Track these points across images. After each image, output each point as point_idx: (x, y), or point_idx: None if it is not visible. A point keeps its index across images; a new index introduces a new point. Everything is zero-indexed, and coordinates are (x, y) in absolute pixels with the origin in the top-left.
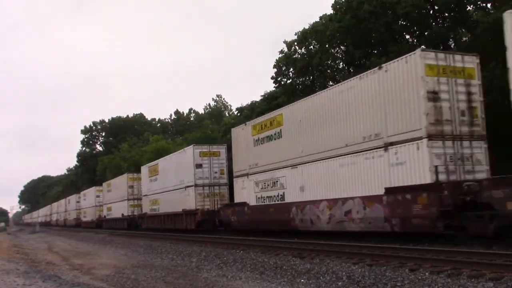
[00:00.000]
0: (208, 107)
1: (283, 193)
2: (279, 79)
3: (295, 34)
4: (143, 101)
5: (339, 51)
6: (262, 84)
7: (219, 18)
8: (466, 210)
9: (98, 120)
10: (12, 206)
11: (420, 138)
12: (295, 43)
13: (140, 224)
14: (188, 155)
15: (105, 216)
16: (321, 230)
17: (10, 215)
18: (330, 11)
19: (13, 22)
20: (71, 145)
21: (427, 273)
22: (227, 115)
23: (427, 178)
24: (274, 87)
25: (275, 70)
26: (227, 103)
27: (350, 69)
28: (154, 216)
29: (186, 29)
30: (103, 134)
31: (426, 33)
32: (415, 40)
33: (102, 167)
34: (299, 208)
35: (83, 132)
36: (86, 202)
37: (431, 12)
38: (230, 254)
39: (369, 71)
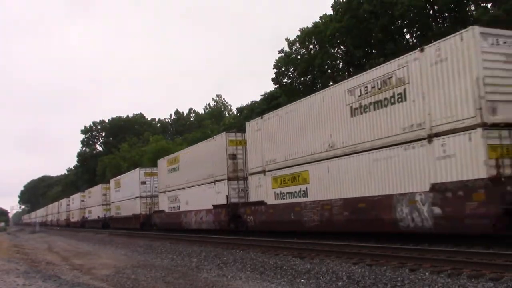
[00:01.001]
0: (208, 107)
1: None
2: (279, 79)
3: (299, 30)
4: (143, 101)
5: (339, 51)
6: (263, 84)
7: (220, 18)
8: None
9: (98, 120)
10: (12, 206)
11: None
12: (297, 42)
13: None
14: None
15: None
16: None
17: (10, 215)
18: (330, 11)
19: (14, 22)
20: (71, 145)
21: (427, 273)
22: (227, 115)
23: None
24: (274, 87)
25: (275, 70)
26: (227, 103)
27: (350, 69)
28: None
29: (186, 29)
30: (103, 134)
31: (425, 33)
32: (415, 40)
33: (102, 167)
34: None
35: (83, 132)
36: (74, 205)
37: (431, 12)
38: (230, 254)
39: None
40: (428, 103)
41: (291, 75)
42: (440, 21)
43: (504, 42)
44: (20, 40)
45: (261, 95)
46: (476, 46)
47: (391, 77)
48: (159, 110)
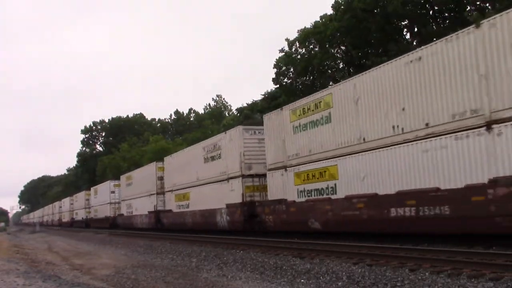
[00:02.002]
0: (208, 107)
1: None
2: (279, 79)
3: (298, 32)
4: (143, 101)
5: (339, 51)
6: (263, 84)
7: (220, 18)
8: None
9: (98, 120)
10: (12, 206)
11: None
12: (297, 42)
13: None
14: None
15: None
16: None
17: (10, 215)
18: (330, 11)
19: (14, 22)
20: (71, 145)
21: (427, 273)
22: (227, 115)
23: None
24: (275, 88)
25: (275, 70)
26: (227, 103)
27: (350, 69)
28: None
29: (186, 29)
30: (103, 134)
31: (425, 33)
32: (415, 41)
33: (102, 167)
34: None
35: (83, 132)
36: (65, 208)
37: (431, 12)
38: (230, 254)
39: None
40: (227, 162)
41: (291, 75)
42: (440, 21)
43: (259, 132)
44: (20, 40)
45: (261, 95)
46: (241, 136)
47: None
48: (159, 110)
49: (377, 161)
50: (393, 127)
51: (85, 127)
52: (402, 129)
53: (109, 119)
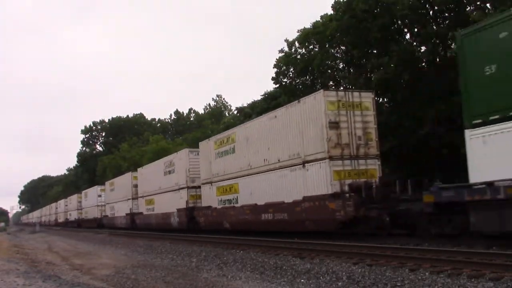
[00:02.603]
0: (208, 107)
1: None
2: (279, 78)
3: (298, 32)
4: (143, 101)
5: (339, 51)
6: (264, 84)
7: (221, 18)
8: None
9: (98, 120)
10: (12, 206)
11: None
12: (296, 42)
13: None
14: (95, 190)
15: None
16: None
17: (10, 215)
18: (330, 11)
19: (14, 22)
20: (71, 145)
21: (427, 273)
22: (227, 115)
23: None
24: (275, 87)
25: (275, 70)
26: (227, 103)
27: (350, 69)
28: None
29: (186, 29)
30: (103, 134)
31: (425, 33)
32: (414, 40)
33: (102, 167)
34: None
35: (83, 132)
36: (60, 209)
37: (430, 12)
38: (230, 254)
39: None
40: (178, 176)
41: (291, 75)
42: (440, 21)
43: (197, 154)
44: (20, 40)
45: (261, 95)
46: (187, 156)
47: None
48: (159, 110)
49: (257, 182)
50: (264, 159)
51: (85, 127)
52: (268, 161)
53: (109, 119)
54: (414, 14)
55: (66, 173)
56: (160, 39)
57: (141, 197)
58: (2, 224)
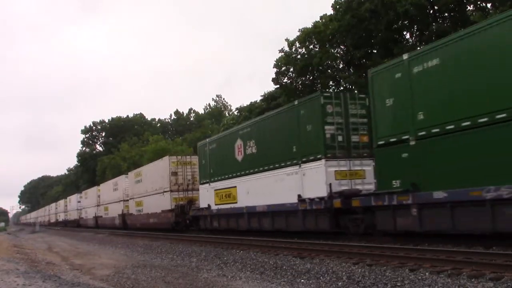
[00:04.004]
0: (208, 107)
1: None
2: (279, 78)
3: (298, 31)
4: (143, 101)
5: (339, 51)
6: (264, 84)
7: (221, 18)
8: None
9: (98, 120)
10: (12, 206)
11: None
12: (297, 42)
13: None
14: (75, 197)
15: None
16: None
17: (10, 215)
18: (330, 11)
19: (15, 22)
20: (71, 145)
21: (427, 273)
22: (227, 115)
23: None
24: (275, 88)
25: (275, 70)
26: (227, 103)
27: (351, 69)
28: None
29: (187, 29)
30: (103, 134)
31: (426, 33)
32: (415, 40)
33: (102, 167)
34: None
35: (83, 132)
36: (52, 211)
37: (431, 12)
38: (230, 254)
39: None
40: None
41: (291, 75)
42: (440, 21)
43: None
44: (20, 40)
45: (261, 96)
46: (123, 180)
47: None
48: (159, 110)
49: (148, 200)
50: (146, 188)
51: (85, 127)
52: (149, 188)
53: (109, 119)
54: (416, 9)
55: (66, 173)
56: (160, 39)
57: (101, 205)
58: (2, 224)
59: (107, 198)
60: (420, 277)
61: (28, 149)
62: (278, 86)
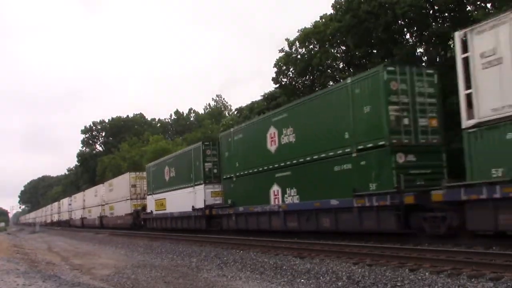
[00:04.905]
0: (208, 107)
1: None
2: (279, 78)
3: (298, 31)
4: (143, 101)
5: (339, 51)
6: (264, 84)
7: (221, 18)
8: None
9: (98, 120)
10: (12, 206)
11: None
12: (297, 42)
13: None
14: (66, 200)
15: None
16: None
17: (10, 215)
18: (330, 11)
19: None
20: (71, 145)
21: (427, 273)
22: (227, 115)
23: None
24: (275, 87)
25: (275, 69)
26: (227, 103)
27: (350, 69)
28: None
29: (186, 29)
30: (103, 134)
31: (426, 33)
32: (415, 40)
33: (102, 167)
34: None
35: (83, 132)
36: (47, 212)
37: (431, 12)
38: (230, 254)
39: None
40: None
41: (291, 75)
42: (440, 21)
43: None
44: (20, 40)
45: (261, 96)
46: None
47: None
48: (159, 110)
49: (118, 204)
50: (119, 196)
51: (85, 127)
52: (115, 197)
53: (109, 119)
54: (414, 11)
55: (66, 173)
56: (160, 39)
57: (86, 208)
58: (2, 224)
59: (90, 202)
60: (420, 277)
61: (28, 149)
62: (278, 86)
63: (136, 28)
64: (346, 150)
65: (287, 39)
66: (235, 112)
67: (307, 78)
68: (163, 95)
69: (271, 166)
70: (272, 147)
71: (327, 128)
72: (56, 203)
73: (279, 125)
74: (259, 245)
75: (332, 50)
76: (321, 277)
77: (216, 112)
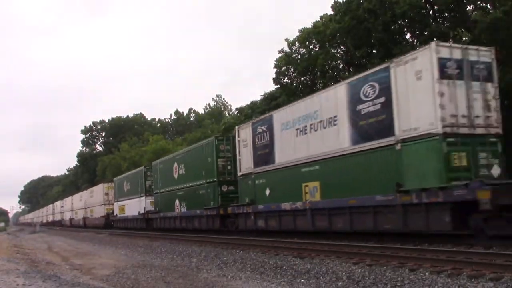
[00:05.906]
0: (208, 107)
1: None
2: (279, 78)
3: (298, 32)
4: (143, 101)
5: (339, 51)
6: (264, 84)
7: (222, 18)
8: None
9: (98, 120)
10: (12, 206)
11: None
12: (296, 42)
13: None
14: (59, 202)
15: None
16: None
17: (10, 215)
18: (330, 11)
19: (15, 22)
20: (71, 145)
21: (427, 273)
22: (227, 115)
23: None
24: (275, 88)
25: (276, 70)
26: (227, 103)
27: (351, 69)
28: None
29: (186, 29)
30: (103, 134)
31: (425, 33)
32: (415, 40)
33: (102, 167)
34: None
35: (83, 132)
36: (44, 213)
37: (430, 12)
38: (230, 254)
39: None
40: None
41: (292, 75)
42: (440, 21)
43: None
44: (20, 40)
45: (261, 95)
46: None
47: None
48: (159, 110)
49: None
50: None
51: (85, 127)
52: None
53: (109, 119)
54: (414, 11)
55: (66, 173)
56: (160, 39)
57: (74, 210)
58: (2, 224)
59: (76, 205)
60: (420, 277)
61: (28, 149)
62: (278, 86)
63: (136, 28)
64: (202, 182)
65: (286, 39)
66: (236, 112)
67: (307, 78)
68: (163, 95)
69: (174, 188)
70: (175, 174)
71: (197, 167)
72: (51, 205)
73: (179, 162)
74: (259, 245)
75: (332, 50)
76: (321, 277)
77: (216, 112)
